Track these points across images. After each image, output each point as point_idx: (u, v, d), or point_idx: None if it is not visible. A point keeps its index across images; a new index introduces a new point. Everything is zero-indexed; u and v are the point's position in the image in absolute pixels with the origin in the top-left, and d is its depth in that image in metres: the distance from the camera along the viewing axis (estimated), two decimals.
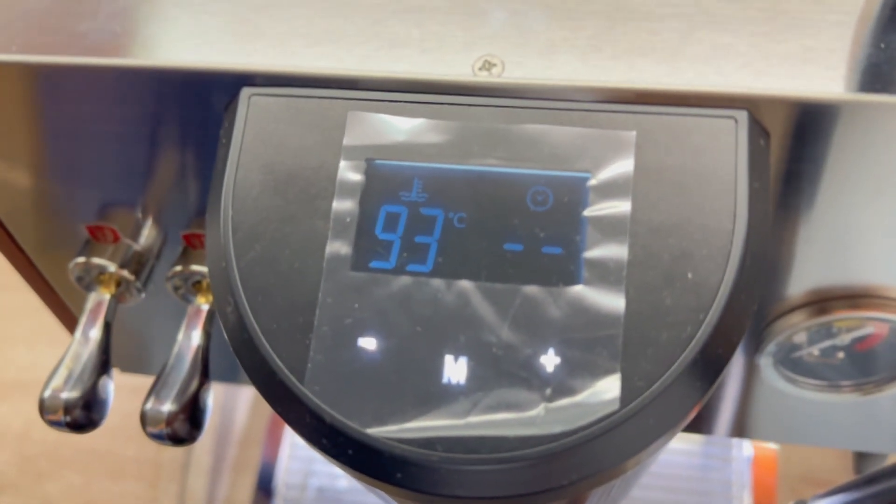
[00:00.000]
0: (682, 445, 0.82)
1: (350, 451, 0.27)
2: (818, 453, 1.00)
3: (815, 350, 0.40)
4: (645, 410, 0.26)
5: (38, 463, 1.00)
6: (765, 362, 0.39)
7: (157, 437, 0.37)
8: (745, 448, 0.79)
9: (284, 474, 0.78)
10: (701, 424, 0.51)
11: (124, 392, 0.47)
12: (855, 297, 0.37)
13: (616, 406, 0.26)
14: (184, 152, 0.36)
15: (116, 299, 0.41)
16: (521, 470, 0.26)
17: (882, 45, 0.29)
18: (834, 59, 0.29)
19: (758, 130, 0.28)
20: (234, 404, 0.98)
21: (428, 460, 0.26)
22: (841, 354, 0.41)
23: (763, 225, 0.27)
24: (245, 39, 0.32)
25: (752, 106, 0.28)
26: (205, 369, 0.39)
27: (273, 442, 0.80)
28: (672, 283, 0.27)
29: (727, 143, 0.28)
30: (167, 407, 0.37)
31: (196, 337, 0.39)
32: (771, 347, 0.38)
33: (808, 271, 0.36)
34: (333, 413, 0.27)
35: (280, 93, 0.30)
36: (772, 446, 0.81)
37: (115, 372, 0.51)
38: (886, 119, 0.28)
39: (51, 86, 0.33)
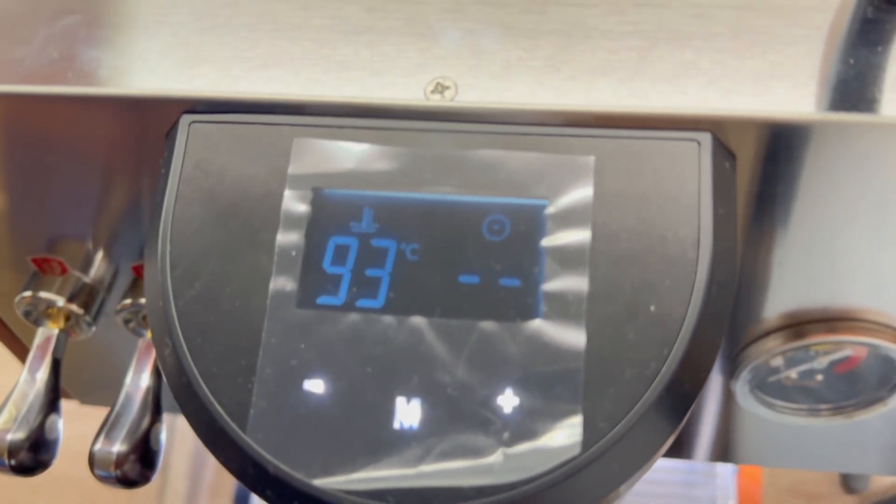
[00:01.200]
0: (666, 462, 0.80)
1: (296, 503, 0.25)
2: None
3: (792, 373, 0.39)
4: (608, 453, 0.24)
5: (10, 492, 0.97)
6: (741, 388, 0.38)
7: (107, 480, 0.36)
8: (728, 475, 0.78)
9: (260, 499, 0.76)
10: (681, 450, 0.49)
11: (96, 419, 0.46)
12: (832, 321, 0.36)
13: (578, 450, 0.24)
14: (129, 181, 0.34)
15: (66, 333, 0.40)
16: None
17: (851, 61, 0.28)
18: (802, 76, 0.28)
19: (722, 153, 0.27)
20: None
21: None
22: (819, 377, 0.40)
23: (729, 253, 0.26)
24: (187, 64, 0.30)
25: (717, 127, 0.27)
26: (157, 406, 0.37)
27: None
28: (635, 316, 0.25)
29: (690, 167, 0.26)
30: (117, 448, 0.35)
31: (146, 374, 0.37)
32: (746, 374, 0.37)
33: (783, 295, 0.35)
34: (277, 463, 0.25)
35: (221, 119, 0.29)
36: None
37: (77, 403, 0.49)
38: (857, 138, 0.27)
39: None
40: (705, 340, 0.25)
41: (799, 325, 0.36)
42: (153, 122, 0.30)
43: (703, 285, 0.25)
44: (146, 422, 0.36)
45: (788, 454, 0.47)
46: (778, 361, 0.38)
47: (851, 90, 0.27)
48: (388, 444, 0.25)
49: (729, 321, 0.26)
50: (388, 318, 0.26)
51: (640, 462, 0.25)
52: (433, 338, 0.26)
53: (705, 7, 0.29)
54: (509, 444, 0.24)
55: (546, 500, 0.24)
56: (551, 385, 0.25)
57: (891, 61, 0.28)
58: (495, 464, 0.24)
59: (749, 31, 0.29)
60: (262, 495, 0.26)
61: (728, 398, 0.41)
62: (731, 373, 0.38)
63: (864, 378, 0.39)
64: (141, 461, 0.36)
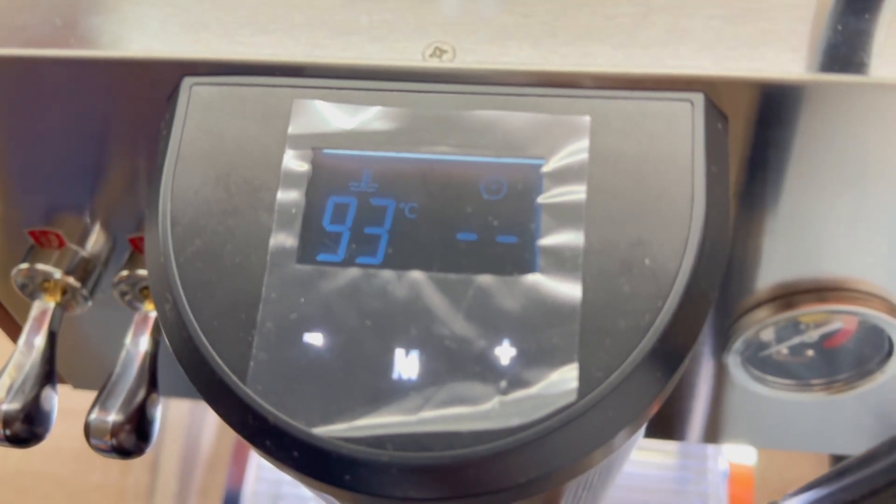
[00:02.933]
0: (658, 459, 0.81)
1: (295, 453, 0.25)
2: (796, 466, 1.00)
3: (783, 348, 0.40)
4: (604, 401, 0.24)
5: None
6: (732, 361, 0.39)
7: (103, 450, 0.36)
8: (721, 462, 0.79)
9: (251, 498, 0.75)
10: (674, 430, 0.50)
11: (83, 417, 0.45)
12: (822, 291, 0.36)
13: (574, 397, 0.24)
14: (129, 150, 0.34)
15: (62, 308, 0.40)
16: (475, 467, 0.24)
17: (839, 28, 0.29)
18: (793, 42, 0.28)
19: (715, 114, 0.28)
20: (201, 427, 0.96)
21: (377, 460, 0.24)
22: (810, 352, 0.40)
23: (722, 209, 0.27)
24: (189, 30, 0.31)
25: (710, 89, 0.27)
26: (153, 379, 0.37)
27: (238, 466, 0.78)
28: (629, 270, 0.26)
29: (684, 126, 0.27)
30: (112, 417, 0.35)
31: (143, 345, 0.37)
32: (738, 345, 0.38)
33: (774, 265, 0.36)
34: (277, 413, 0.25)
35: (223, 82, 0.29)
36: (748, 462, 0.80)
37: (74, 394, 0.49)
38: (846, 100, 0.28)
39: None
40: (698, 294, 0.26)
41: (789, 296, 0.36)
42: (155, 86, 0.30)
43: (696, 240, 0.26)
44: (141, 393, 0.36)
45: (780, 434, 0.47)
46: (769, 335, 0.39)
47: (840, 55, 0.28)
48: (387, 393, 0.25)
49: (721, 280, 0.27)
50: (387, 273, 0.26)
51: (634, 411, 0.25)
52: (431, 291, 0.26)
53: None
54: (506, 392, 0.25)
55: (543, 447, 0.24)
56: (548, 336, 0.25)
57: (878, 27, 0.28)
58: (492, 410, 0.24)
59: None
60: (261, 447, 0.26)
61: (721, 376, 0.42)
62: (723, 346, 0.39)
63: (855, 353, 0.40)
64: (136, 432, 0.36)
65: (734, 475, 0.79)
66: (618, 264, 0.26)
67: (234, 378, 0.26)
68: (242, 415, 0.26)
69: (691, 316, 0.26)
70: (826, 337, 0.39)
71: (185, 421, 0.93)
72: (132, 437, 0.36)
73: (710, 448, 0.81)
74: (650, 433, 0.50)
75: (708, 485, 0.77)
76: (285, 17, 0.30)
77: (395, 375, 0.25)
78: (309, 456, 0.25)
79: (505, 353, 0.25)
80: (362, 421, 0.25)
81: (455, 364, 0.25)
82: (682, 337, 0.25)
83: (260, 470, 0.78)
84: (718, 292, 0.27)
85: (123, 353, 0.37)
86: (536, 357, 0.25)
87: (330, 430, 0.25)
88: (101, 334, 0.47)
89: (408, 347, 0.26)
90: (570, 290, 0.26)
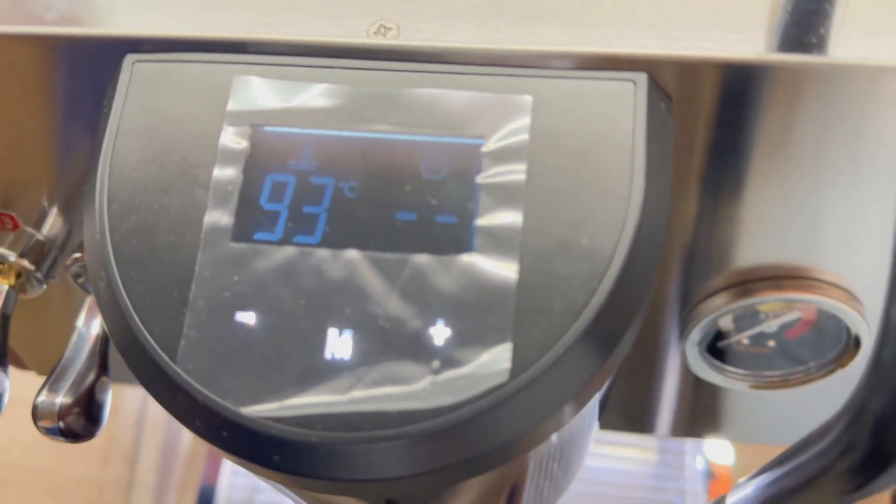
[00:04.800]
0: (637, 455, 0.80)
1: (224, 433, 0.25)
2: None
3: (744, 338, 0.39)
4: (536, 382, 0.24)
5: None
6: (690, 349, 0.38)
7: (50, 432, 0.35)
8: (699, 460, 0.78)
9: (227, 491, 0.75)
10: (643, 422, 0.49)
11: None
12: (780, 279, 0.36)
13: (505, 377, 0.24)
14: (82, 130, 0.34)
15: (16, 290, 0.39)
16: (405, 448, 0.24)
17: (789, 9, 0.28)
18: (743, 22, 0.28)
19: (658, 94, 0.27)
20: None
21: (306, 440, 0.24)
22: (771, 343, 0.40)
23: (662, 190, 0.26)
24: (135, 8, 0.30)
25: (653, 68, 0.27)
26: (103, 362, 0.37)
27: (214, 460, 0.77)
28: (566, 250, 0.25)
29: (625, 106, 0.27)
30: (60, 399, 0.35)
31: (94, 328, 0.37)
32: (695, 333, 0.37)
33: (732, 252, 0.35)
34: (206, 392, 0.25)
35: (164, 58, 0.29)
36: (726, 460, 0.80)
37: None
38: (799, 82, 0.27)
39: None
40: (635, 276, 0.25)
41: (747, 283, 0.36)
42: (101, 65, 0.30)
43: (633, 222, 0.25)
44: (91, 376, 0.36)
45: (752, 428, 0.47)
46: (728, 325, 0.38)
47: (788, 35, 0.28)
48: (319, 373, 0.25)
49: (659, 261, 0.26)
50: (323, 252, 0.26)
51: (567, 394, 0.25)
52: (367, 271, 0.26)
53: None
54: (439, 372, 0.24)
55: (473, 427, 0.24)
56: (482, 316, 0.25)
57: (826, 8, 0.28)
58: (423, 390, 0.24)
59: None
60: (191, 426, 0.25)
61: (687, 368, 0.41)
62: (682, 334, 0.38)
63: (816, 344, 0.39)
64: (84, 414, 0.35)
65: (712, 471, 0.79)
66: (555, 244, 0.25)
67: (165, 357, 0.25)
68: (172, 394, 0.25)
69: (628, 297, 0.25)
70: (786, 327, 0.38)
71: (165, 415, 0.93)
72: (80, 420, 0.35)
73: (689, 444, 0.80)
74: (620, 425, 0.50)
75: (685, 481, 0.76)
76: None
77: (327, 355, 0.25)
78: (237, 436, 0.25)
79: (439, 333, 0.25)
80: (292, 401, 0.24)
81: (388, 344, 0.25)
82: (618, 318, 0.25)
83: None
84: (656, 274, 0.27)
85: (75, 336, 0.37)
86: (470, 337, 0.25)
87: (259, 410, 0.24)
88: (64, 319, 0.46)
89: (341, 327, 0.25)
90: (506, 270, 0.25)
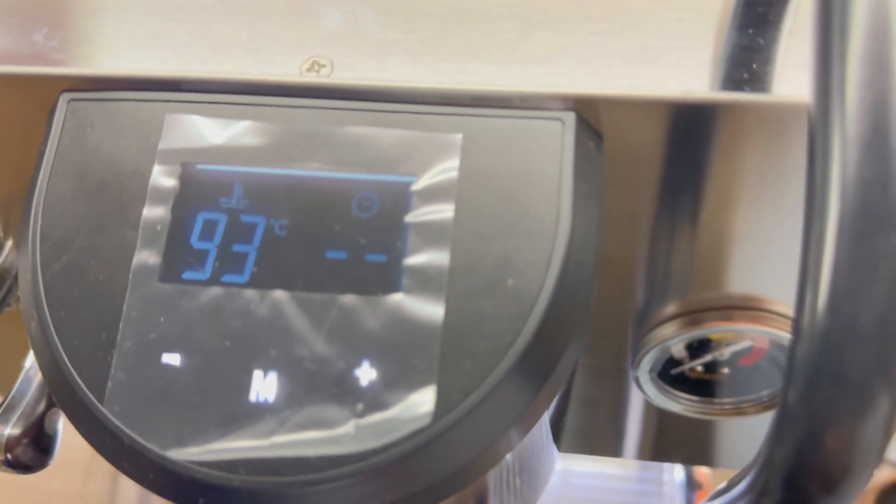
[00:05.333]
0: (616, 468, 0.80)
1: (150, 475, 0.25)
2: None
3: (697, 366, 0.39)
4: (459, 424, 0.24)
5: None
6: (643, 377, 0.38)
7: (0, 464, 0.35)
8: (677, 472, 0.78)
9: None
10: (607, 447, 0.49)
11: None
12: (729, 309, 0.36)
13: (428, 420, 0.24)
14: (29, 165, 0.34)
15: None
16: (326, 493, 0.24)
17: (724, 43, 0.28)
18: (673, 58, 0.28)
19: (587, 132, 0.27)
20: None
21: (229, 484, 0.24)
22: (725, 370, 0.40)
23: (589, 229, 0.26)
24: (72, 44, 0.30)
25: (582, 107, 0.27)
26: None
27: None
28: (493, 290, 0.25)
29: (553, 145, 0.26)
30: (8, 431, 0.35)
31: None
32: (646, 361, 0.37)
33: (681, 282, 0.35)
34: (132, 435, 0.25)
35: (98, 97, 0.29)
36: (705, 471, 0.80)
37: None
38: (727, 119, 0.27)
39: None
40: (561, 315, 0.25)
41: (697, 313, 0.36)
42: (39, 102, 0.30)
43: (559, 261, 0.25)
44: (42, 406, 0.36)
45: (718, 453, 0.47)
46: (681, 352, 0.38)
47: (720, 71, 0.28)
48: (243, 416, 0.25)
49: (590, 301, 0.26)
50: (250, 293, 0.26)
51: (492, 435, 0.24)
52: (294, 311, 0.26)
53: None
54: (362, 415, 0.24)
55: (396, 471, 0.24)
56: (408, 357, 0.25)
57: (759, 44, 0.28)
58: (346, 434, 0.24)
59: (622, 15, 0.29)
60: (119, 467, 0.25)
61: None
62: (633, 362, 0.38)
63: (769, 372, 0.39)
64: (34, 445, 0.35)
65: (696, 481, 0.79)
66: (481, 284, 0.25)
67: (93, 398, 0.25)
68: (100, 435, 0.25)
69: (554, 336, 0.25)
70: (738, 355, 0.38)
71: None
72: (29, 451, 0.35)
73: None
74: (583, 449, 0.50)
75: (664, 494, 0.76)
76: (168, 30, 0.30)
77: (252, 398, 0.25)
78: (163, 478, 0.25)
79: (364, 374, 0.25)
80: (216, 444, 0.24)
81: (313, 386, 0.25)
82: (543, 358, 0.25)
83: None
84: (588, 311, 0.26)
85: (25, 367, 0.37)
86: (396, 379, 0.25)
87: (183, 453, 0.24)
88: (19, 348, 0.46)
89: (266, 369, 0.25)
90: (432, 310, 0.25)
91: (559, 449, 0.48)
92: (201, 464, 0.24)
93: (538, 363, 0.25)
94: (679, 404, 0.40)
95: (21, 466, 0.35)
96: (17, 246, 0.38)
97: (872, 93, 0.18)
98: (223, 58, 0.29)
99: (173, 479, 0.25)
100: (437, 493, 0.25)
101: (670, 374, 0.39)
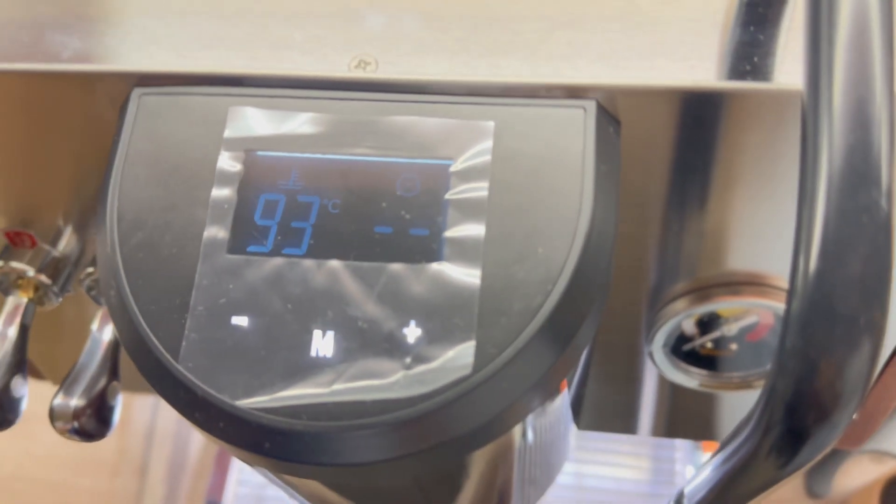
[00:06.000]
0: (630, 462, 0.83)
1: (221, 424, 0.28)
2: None
3: (707, 342, 0.42)
4: (497, 375, 0.27)
5: None
6: (657, 352, 0.41)
7: (65, 432, 0.38)
8: (689, 470, 0.81)
9: (233, 502, 0.78)
10: (623, 423, 0.52)
11: None
12: (736, 284, 0.39)
13: (469, 370, 0.27)
14: (92, 156, 0.37)
15: (34, 303, 0.43)
16: (379, 436, 0.27)
17: (727, 39, 0.31)
18: (683, 53, 0.31)
19: (607, 118, 0.30)
20: (188, 434, 0.98)
21: (293, 429, 0.27)
22: (734, 346, 0.43)
23: (609, 204, 0.29)
24: (142, 46, 0.34)
25: (602, 95, 0.30)
26: (114, 368, 0.40)
27: (221, 472, 0.80)
28: (524, 258, 0.28)
29: (576, 130, 0.30)
30: (74, 402, 0.38)
31: (106, 336, 0.40)
32: (660, 336, 0.40)
33: (691, 259, 0.38)
34: (205, 387, 0.28)
35: (168, 91, 0.32)
36: None
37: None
38: (732, 105, 0.31)
39: None
40: (586, 279, 0.28)
41: (706, 289, 0.39)
42: (111, 97, 0.34)
43: (583, 231, 0.28)
44: (103, 380, 0.39)
45: (724, 429, 0.49)
46: (691, 328, 0.41)
47: (725, 64, 0.31)
48: (305, 369, 0.28)
49: (610, 267, 0.29)
50: (309, 262, 0.29)
51: (526, 385, 0.28)
52: (347, 278, 0.29)
53: None
54: (410, 367, 0.27)
55: (442, 415, 0.27)
56: (449, 317, 0.28)
57: (760, 39, 0.31)
58: (396, 382, 0.27)
59: (638, 15, 0.32)
60: (191, 418, 0.28)
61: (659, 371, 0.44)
62: (648, 337, 0.41)
63: (774, 347, 0.42)
64: (97, 416, 0.38)
65: None
66: (514, 252, 0.28)
67: (168, 356, 0.28)
68: (175, 389, 0.29)
69: (579, 299, 0.28)
70: (746, 331, 0.41)
71: (173, 428, 0.96)
72: (93, 421, 0.38)
73: (679, 453, 0.83)
74: (600, 426, 0.53)
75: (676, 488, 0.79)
76: (227, 34, 0.34)
77: (312, 353, 0.28)
78: (232, 426, 0.28)
79: (411, 332, 0.28)
80: (281, 394, 0.28)
81: (366, 343, 0.28)
82: (572, 317, 0.28)
83: (241, 474, 0.81)
84: (609, 277, 0.30)
85: (88, 343, 0.40)
86: (438, 336, 0.28)
87: (251, 402, 0.28)
88: (76, 330, 0.49)
89: (324, 328, 0.28)
90: (470, 275, 0.28)
91: (578, 426, 0.51)
92: (267, 410, 0.27)
93: (566, 321, 0.28)
94: (691, 378, 0.42)
95: (85, 434, 0.39)
96: (78, 229, 0.42)
97: (855, 72, 0.22)
98: (279, 58, 0.32)
99: (242, 427, 0.28)
100: (474, 440, 0.28)
101: (682, 351, 0.42)
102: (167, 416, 0.97)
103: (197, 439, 0.98)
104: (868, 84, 0.21)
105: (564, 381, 0.34)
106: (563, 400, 0.38)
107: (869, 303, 0.21)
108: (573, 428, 0.49)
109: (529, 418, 0.33)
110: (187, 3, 0.35)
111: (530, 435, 0.36)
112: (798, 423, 0.23)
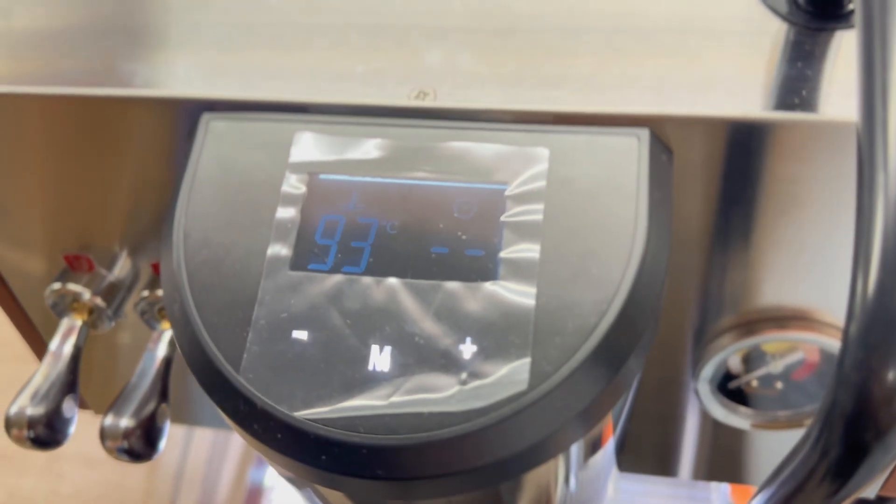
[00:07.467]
0: (665, 489, 0.81)
1: (279, 435, 0.28)
2: None
3: (752, 379, 0.42)
4: (552, 392, 0.27)
5: None
6: (702, 387, 0.41)
7: (116, 452, 0.39)
8: (725, 491, 0.79)
9: None
10: (664, 466, 0.51)
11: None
12: (783, 319, 0.39)
13: (524, 387, 0.27)
14: (150, 183, 0.39)
15: (88, 326, 0.44)
16: (435, 450, 0.27)
17: (774, 74, 0.33)
18: (731, 86, 0.32)
19: (659, 147, 0.31)
20: (217, 477, 0.98)
21: (350, 440, 0.28)
22: (779, 384, 0.42)
23: (662, 228, 0.30)
24: (210, 75, 0.36)
25: (654, 125, 0.31)
26: (164, 391, 0.41)
27: None
28: (579, 278, 0.29)
29: (630, 157, 0.31)
30: (125, 422, 0.39)
31: (158, 359, 0.41)
32: (706, 372, 0.40)
33: (738, 293, 0.38)
34: (264, 399, 0.29)
35: (236, 117, 0.34)
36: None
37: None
38: (784, 137, 0.31)
39: (30, 117, 0.37)
40: (640, 300, 0.29)
41: (752, 323, 0.39)
42: (179, 123, 0.35)
43: (638, 254, 0.29)
44: (154, 402, 0.40)
45: (765, 471, 0.49)
46: (737, 365, 0.41)
47: (773, 97, 0.32)
48: (362, 383, 0.28)
49: (662, 290, 0.30)
50: (367, 280, 0.30)
51: (579, 403, 0.28)
52: (405, 296, 0.30)
53: (649, 31, 0.34)
54: (466, 382, 0.28)
55: (497, 431, 0.27)
56: (505, 334, 0.28)
57: (808, 74, 0.32)
58: (453, 397, 0.28)
59: (686, 51, 0.34)
60: (248, 430, 0.29)
61: (703, 410, 0.44)
62: (694, 374, 0.41)
63: (821, 386, 0.42)
64: (145, 437, 0.39)
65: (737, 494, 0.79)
66: (569, 273, 0.29)
67: (229, 367, 0.29)
68: (234, 401, 0.29)
69: (634, 320, 0.29)
70: (791, 368, 0.41)
71: (202, 470, 0.96)
72: (141, 442, 0.39)
73: (714, 494, 0.81)
74: (640, 468, 0.52)
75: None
76: (292, 65, 0.35)
77: (370, 367, 0.29)
78: (290, 437, 0.28)
79: (467, 349, 0.28)
80: (338, 406, 0.28)
81: (422, 358, 0.28)
82: (626, 339, 0.29)
83: None
84: (661, 301, 0.30)
85: (140, 366, 0.41)
86: (494, 353, 0.28)
87: (309, 414, 0.28)
88: (125, 361, 0.50)
89: (382, 343, 0.29)
90: (525, 295, 0.29)
91: (619, 468, 0.51)
92: (325, 422, 0.28)
93: (620, 342, 0.28)
94: (737, 416, 0.42)
95: (133, 455, 0.39)
96: (133, 254, 0.43)
97: None
98: (342, 88, 0.34)
99: (300, 438, 0.28)
100: (526, 459, 0.28)
101: (728, 388, 0.42)
102: (197, 457, 0.97)
103: (226, 482, 0.98)
104: None
105: (610, 425, 0.34)
106: (608, 446, 0.38)
107: None
108: (614, 472, 0.49)
109: (573, 462, 0.33)
110: (253, 37, 0.37)
111: (573, 481, 0.36)
112: (858, 437, 0.23)
